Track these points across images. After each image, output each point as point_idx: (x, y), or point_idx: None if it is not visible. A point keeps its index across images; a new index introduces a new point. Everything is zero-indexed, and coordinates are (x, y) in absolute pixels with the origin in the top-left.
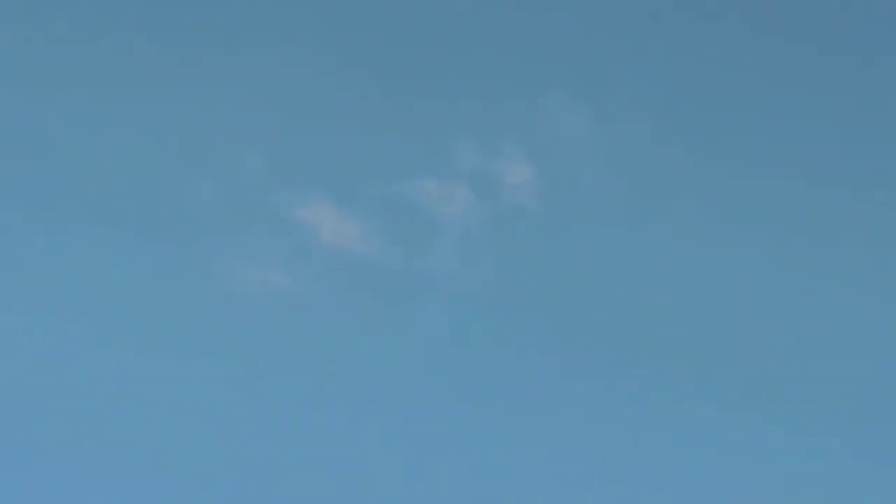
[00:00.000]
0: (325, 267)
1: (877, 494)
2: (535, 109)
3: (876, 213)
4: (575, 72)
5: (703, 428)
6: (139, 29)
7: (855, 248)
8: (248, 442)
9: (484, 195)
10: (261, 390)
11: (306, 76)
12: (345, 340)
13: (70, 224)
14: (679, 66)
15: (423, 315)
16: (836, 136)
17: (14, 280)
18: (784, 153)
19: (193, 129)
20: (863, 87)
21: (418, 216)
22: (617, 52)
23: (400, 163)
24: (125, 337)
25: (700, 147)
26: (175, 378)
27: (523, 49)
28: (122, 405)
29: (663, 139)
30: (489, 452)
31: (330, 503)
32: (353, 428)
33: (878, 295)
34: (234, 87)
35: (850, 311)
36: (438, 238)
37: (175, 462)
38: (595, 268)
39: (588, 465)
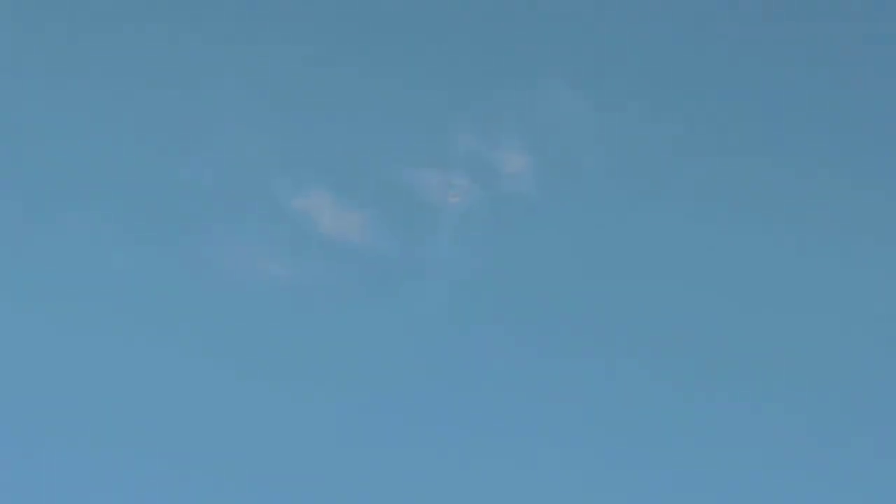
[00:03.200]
0: (324, 256)
1: (879, 481)
2: (533, 97)
3: (874, 200)
4: (574, 59)
5: (701, 414)
6: (136, 16)
7: (853, 234)
8: (246, 433)
9: (482, 183)
10: (258, 380)
11: (304, 64)
12: (343, 329)
13: (65, 212)
14: (678, 53)
15: (422, 303)
16: (833, 124)
17: (5, 267)
18: (783, 139)
19: (191, 117)
20: (859, 74)
21: (417, 204)
22: (616, 39)
23: (398, 151)
24: (120, 326)
25: (699, 134)
26: (171, 368)
27: (521, 36)
28: (116, 396)
29: (662, 127)
30: (487, 439)
31: (328, 494)
32: (352, 417)
33: (877, 279)
34: (232, 74)
35: (849, 295)
36: (437, 226)
37: (170, 453)
38: (593, 255)
39: (586, 452)
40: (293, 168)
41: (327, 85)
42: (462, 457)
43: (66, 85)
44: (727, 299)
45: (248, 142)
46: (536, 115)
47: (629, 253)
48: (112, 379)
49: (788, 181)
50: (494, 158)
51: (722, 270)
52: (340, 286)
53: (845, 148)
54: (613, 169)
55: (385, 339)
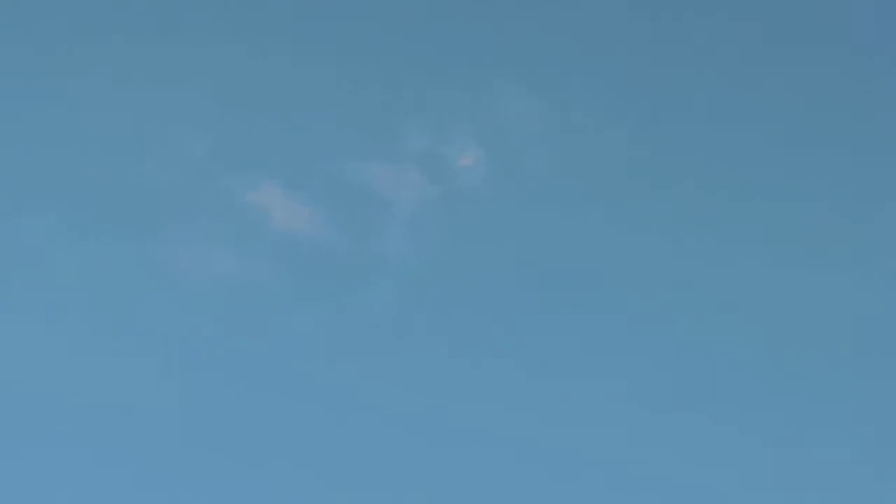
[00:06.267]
0: (275, 252)
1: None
2: (485, 94)
3: (831, 207)
4: (526, 57)
5: (670, 427)
6: (82, 15)
7: (798, 239)
8: (198, 430)
9: (434, 178)
10: (210, 377)
11: (256, 61)
12: (295, 325)
13: (16, 213)
14: (629, 55)
15: (374, 299)
16: (781, 124)
17: None
18: (732, 141)
19: (138, 114)
20: (818, 81)
21: (368, 199)
22: (568, 39)
23: (350, 145)
24: (70, 325)
25: (649, 135)
26: (122, 365)
27: (475, 34)
28: (68, 393)
29: (611, 126)
30: (441, 434)
31: (280, 489)
32: (304, 412)
33: (836, 279)
34: (179, 71)
35: (803, 296)
36: (388, 221)
37: (118, 451)
38: (544, 251)
39: (532, 447)
40: (243, 163)
41: (278, 80)
42: (416, 450)
43: (16, 88)
44: (672, 296)
45: (198, 137)
46: (488, 113)
47: (578, 249)
48: (63, 376)
49: (737, 184)
50: (446, 154)
51: (668, 268)
52: (293, 282)
53: (794, 148)
54: (564, 166)
55: (336, 334)
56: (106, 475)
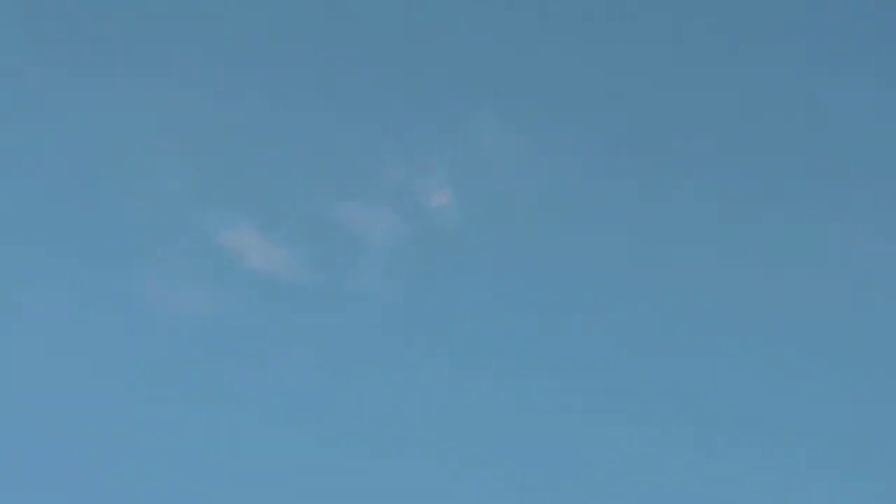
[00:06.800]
0: (250, 290)
1: None
2: (459, 132)
3: (795, 216)
4: (501, 95)
5: (645, 453)
6: (61, 46)
7: (763, 245)
8: (170, 465)
9: (408, 217)
10: (182, 414)
11: (230, 97)
12: (270, 363)
13: None
14: (604, 92)
15: (348, 337)
16: (752, 145)
17: None
18: (709, 168)
19: (116, 150)
20: (769, 103)
21: (343, 238)
22: (542, 77)
23: (325, 185)
24: (44, 358)
25: (625, 172)
26: (97, 400)
27: (449, 72)
28: (37, 429)
29: (589, 164)
30: (416, 469)
31: None
32: (279, 451)
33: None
34: (157, 108)
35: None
36: (363, 260)
37: (93, 485)
38: (517, 287)
39: (513, 479)
40: (219, 201)
41: (253, 119)
42: (390, 485)
43: None
44: (650, 330)
45: (175, 174)
46: (463, 151)
47: (551, 286)
48: (37, 410)
49: (715, 207)
50: (420, 192)
51: (646, 303)
52: (267, 320)
53: (766, 168)
54: (538, 204)
55: (311, 372)
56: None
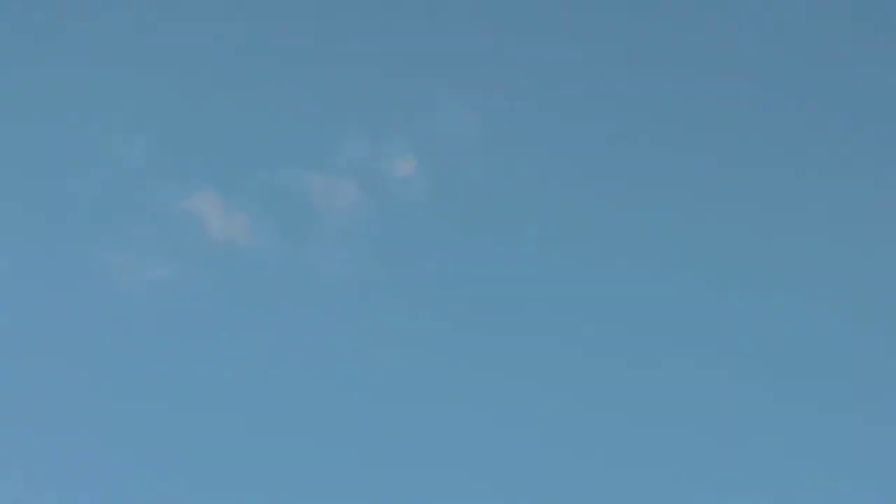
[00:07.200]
0: (210, 260)
1: None
2: (422, 106)
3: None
4: (461, 70)
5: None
6: (22, 22)
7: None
8: (131, 439)
9: (370, 189)
10: (145, 385)
11: (190, 64)
12: (229, 334)
13: None
14: (563, 64)
15: (308, 308)
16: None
17: None
18: (673, 139)
19: (74, 120)
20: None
21: (304, 209)
22: (502, 51)
23: (287, 155)
24: (4, 328)
25: (583, 141)
26: (58, 373)
27: (412, 47)
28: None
29: (547, 137)
30: (367, 447)
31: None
32: (236, 422)
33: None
34: (115, 77)
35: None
36: (324, 231)
37: (58, 461)
38: (476, 259)
39: (462, 465)
40: (179, 171)
41: (215, 88)
42: (344, 461)
43: None
44: (607, 292)
45: (134, 145)
46: (425, 124)
47: (512, 258)
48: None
49: (678, 177)
50: (383, 165)
51: (610, 277)
52: (227, 290)
53: (722, 137)
54: (499, 178)
55: (269, 341)
56: (29, 479)
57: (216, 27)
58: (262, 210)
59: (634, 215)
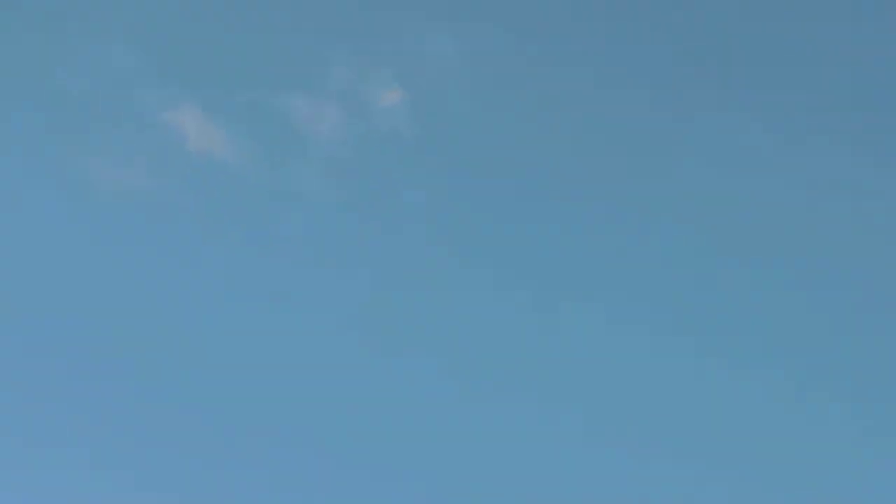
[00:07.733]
0: (189, 173)
1: None
2: (410, 38)
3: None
4: (451, 3)
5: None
6: None
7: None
8: (105, 360)
9: (354, 116)
10: (118, 292)
11: None
12: (203, 249)
13: None
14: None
15: (285, 230)
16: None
17: None
18: (636, 71)
19: (59, 24)
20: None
21: (287, 130)
22: None
23: (271, 74)
24: None
25: (564, 67)
26: (35, 274)
27: None
28: None
29: (532, 70)
30: (346, 379)
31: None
32: (207, 339)
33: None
34: None
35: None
36: (306, 153)
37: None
38: (460, 189)
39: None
40: (164, 80)
41: (208, 7)
42: (330, 390)
43: None
44: (594, 226)
45: (120, 50)
46: (411, 53)
47: (495, 185)
48: None
49: (649, 113)
50: (368, 92)
51: (589, 197)
52: (205, 204)
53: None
54: (483, 108)
55: (242, 263)
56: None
57: None
58: (244, 128)
59: (616, 149)
